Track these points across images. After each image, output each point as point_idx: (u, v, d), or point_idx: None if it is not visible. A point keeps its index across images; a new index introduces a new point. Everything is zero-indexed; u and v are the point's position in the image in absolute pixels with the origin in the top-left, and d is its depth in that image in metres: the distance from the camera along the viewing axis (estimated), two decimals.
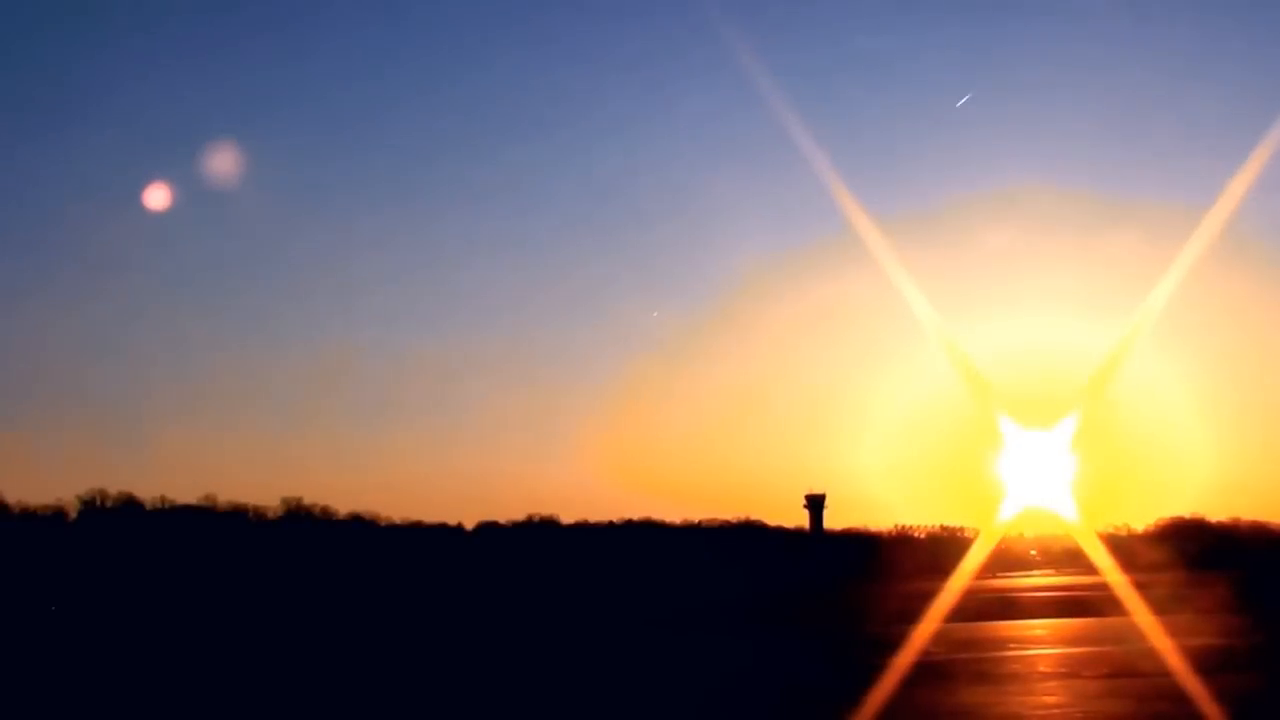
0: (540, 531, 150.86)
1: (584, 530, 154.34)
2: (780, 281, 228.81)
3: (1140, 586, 67.72)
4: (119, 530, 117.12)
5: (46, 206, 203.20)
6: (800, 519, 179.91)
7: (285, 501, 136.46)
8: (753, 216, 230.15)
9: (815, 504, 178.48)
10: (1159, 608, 53.00)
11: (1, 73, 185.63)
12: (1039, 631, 50.00)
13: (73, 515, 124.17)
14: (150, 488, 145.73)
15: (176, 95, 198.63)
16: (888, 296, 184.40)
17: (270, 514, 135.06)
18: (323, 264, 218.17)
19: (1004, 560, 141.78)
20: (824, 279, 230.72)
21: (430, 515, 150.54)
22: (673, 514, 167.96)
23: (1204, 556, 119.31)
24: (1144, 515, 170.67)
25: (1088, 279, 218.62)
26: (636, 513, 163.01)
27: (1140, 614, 50.36)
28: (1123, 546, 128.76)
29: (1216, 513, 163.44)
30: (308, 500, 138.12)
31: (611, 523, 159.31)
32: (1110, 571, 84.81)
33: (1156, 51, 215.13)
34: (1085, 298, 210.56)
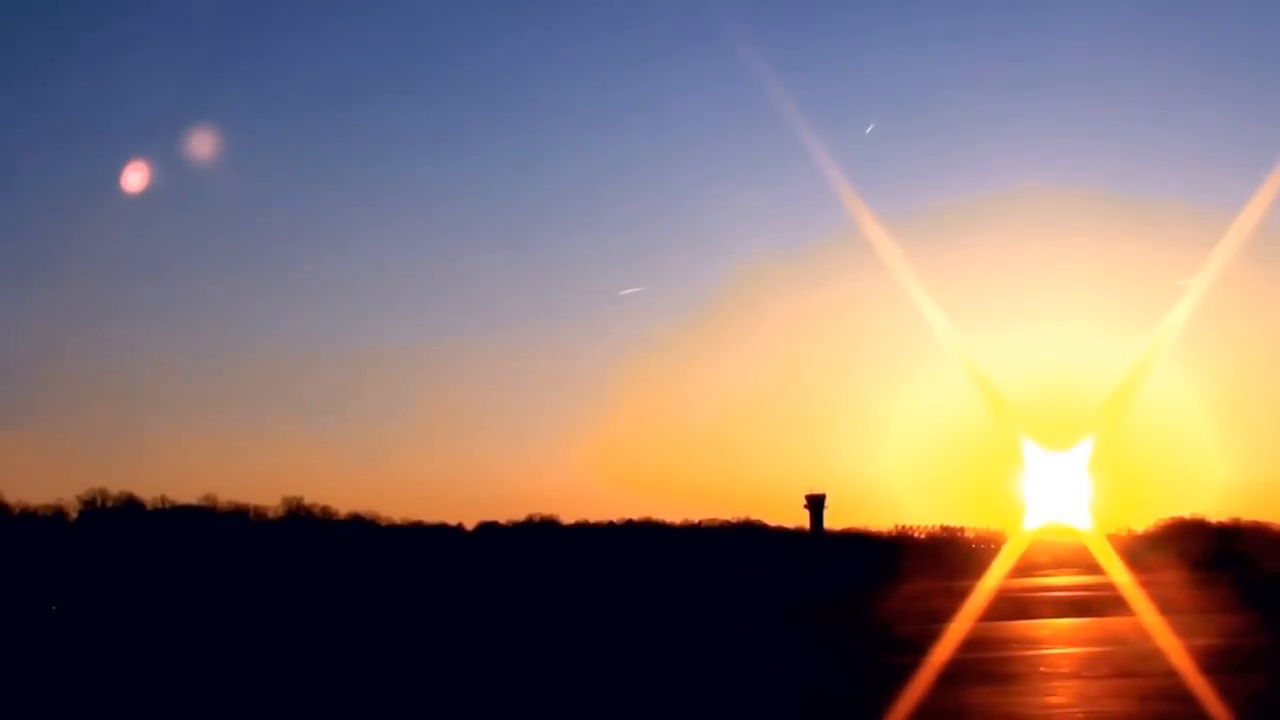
0: (540, 531, 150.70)
1: (584, 530, 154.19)
2: (783, 281, 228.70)
3: (1149, 587, 67.88)
4: (119, 530, 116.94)
5: (43, 204, 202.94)
6: (800, 519, 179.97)
7: (285, 501, 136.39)
8: (755, 215, 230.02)
9: (815, 504, 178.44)
10: (1168, 608, 53.08)
11: None
12: (1065, 631, 50.01)
13: (73, 515, 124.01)
14: (150, 488, 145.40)
15: (171, 85, 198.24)
16: (891, 296, 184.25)
17: (270, 514, 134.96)
18: (323, 264, 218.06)
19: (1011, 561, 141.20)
20: (827, 278, 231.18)
21: (430, 515, 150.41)
22: (673, 514, 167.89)
23: (1205, 557, 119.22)
24: (1145, 516, 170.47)
25: (1090, 279, 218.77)
26: (636, 513, 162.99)
27: (1149, 614, 50.51)
28: (1125, 548, 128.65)
29: (1217, 513, 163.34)
30: (308, 500, 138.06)
31: (611, 523, 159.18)
32: (1121, 574, 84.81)
33: (1183, 43, 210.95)
34: (1088, 298, 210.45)
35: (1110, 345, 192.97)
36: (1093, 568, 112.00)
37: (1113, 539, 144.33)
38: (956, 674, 32.34)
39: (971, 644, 42.05)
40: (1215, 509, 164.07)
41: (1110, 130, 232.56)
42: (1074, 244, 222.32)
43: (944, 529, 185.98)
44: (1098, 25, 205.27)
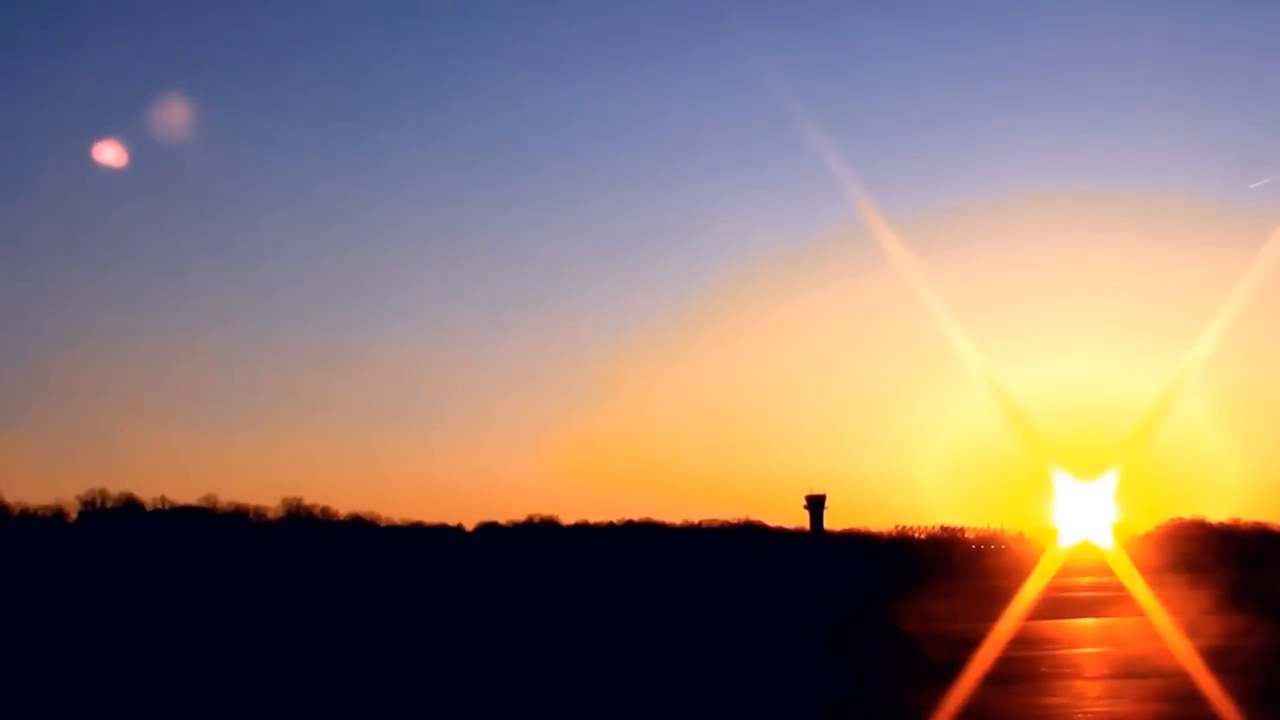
0: (540, 532, 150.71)
1: (584, 530, 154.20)
2: (785, 279, 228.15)
3: (1154, 589, 68.11)
4: (119, 530, 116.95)
5: (41, 199, 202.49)
6: (800, 519, 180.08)
7: (285, 501, 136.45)
8: (757, 212, 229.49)
9: (815, 504, 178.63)
10: (1171, 609, 53.15)
11: None
12: (1075, 632, 50.04)
13: (73, 515, 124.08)
14: (150, 488, 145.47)
15: (178, 88, 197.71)
16: (894, 294, 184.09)
17: (270, 514, 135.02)
18: (324, 264, 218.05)
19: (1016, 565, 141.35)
20: (831, 277, 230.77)
21: (430, 515, 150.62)
22: (673, 514, 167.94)
23: (1206, 558, 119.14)
24: (1146, 517, 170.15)
25: (1091, 280, 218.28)
26: (636, 513, 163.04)
27: (1154, 615, 50.65)
28: (1128, 549, 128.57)
29: (1217, 514, 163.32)
30: (308, 500, 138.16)
31: (611, 523, 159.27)
32: (1128, 576, 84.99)
33: (1215, 34, 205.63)
34: (1091, 298, 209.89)
35: (1116, 343, 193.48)
36: (1099, 569, 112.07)
37: (1115, 540, 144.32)
38: (963, 674, 32.31)
39: (971, 644, 42.01)
40: (1215, 509, 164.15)
41: (1134, 131, 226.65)
42: (1077, 247, 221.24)
43: (944, 529, 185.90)
44: (1126, 18, 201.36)
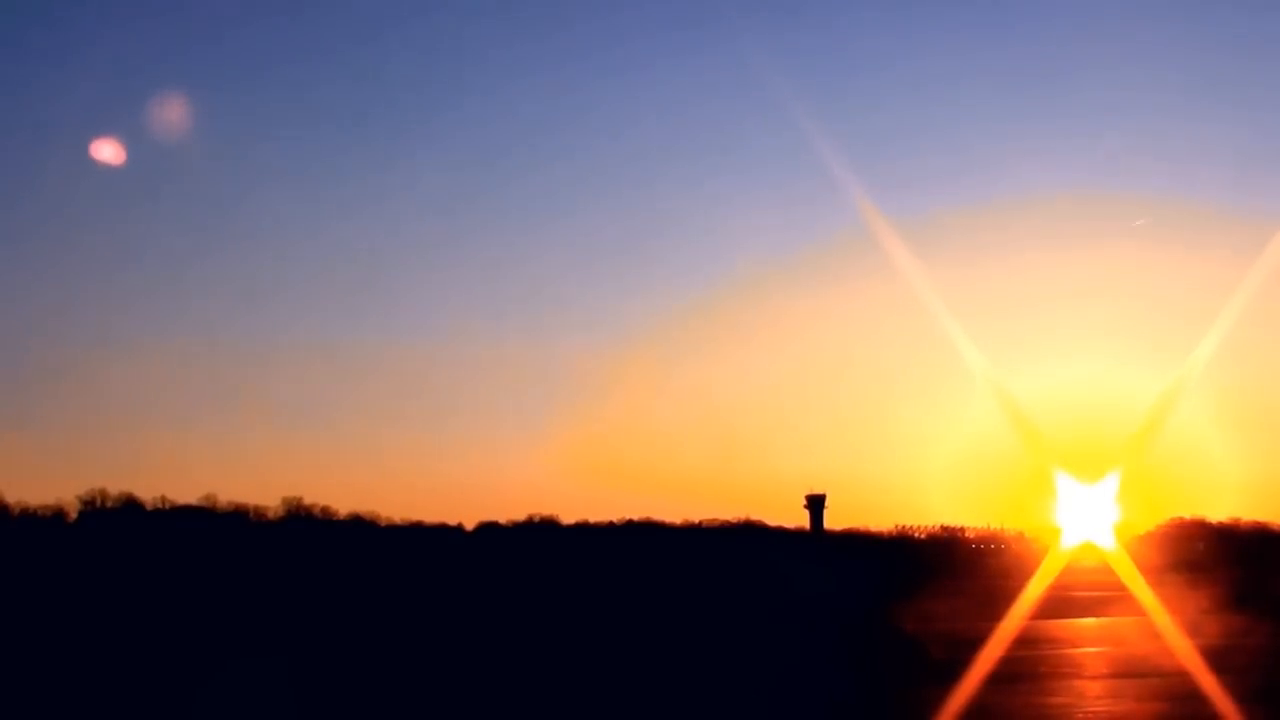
0: (540, 531, 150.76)
1: (584, 530, 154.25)
2: (787, 280, 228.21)
3: (1154, 589, 68.16)
4: (119, 530, 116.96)
5: (41, 199, 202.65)
6: (800, 519, 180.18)
7: (285, 501, 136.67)
8: (760, 213, 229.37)
9: (815, 504, 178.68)
10: (1171, 609, 53.15)
11: None
12: (1077, 632, 50.04)
13: (73, 515, 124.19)
14: (150, 488, 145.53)
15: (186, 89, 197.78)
16: (897, 297, 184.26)
17: (270, 514, 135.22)
18: (324, 264, 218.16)
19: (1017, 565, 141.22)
20: (831, 279, 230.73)
21: (430, 515, 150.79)
22: (673, 514, 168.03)
23: (1206, 557, 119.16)
24: (1147, 517, 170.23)
25: (1087, 282, 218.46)
26: (636, 513, 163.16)
27: (1154, 615, 50.63)
28: (1128, 549, 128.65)
29: (1217, 513, 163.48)
30: (308, 500, 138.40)
31: (611, 523, 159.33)
32: (1128, 576, 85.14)
33: (1216, 37, 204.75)
34: (1087, 299, 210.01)
35: (1118, 346, 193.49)
36: (1100, 569, 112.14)
37: (1117, 540, 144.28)
38: (964, 674, 32.31)
39: (973, 643, 42.00)
40: (1215, 509, 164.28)
41: (1137, 135, 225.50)
42: (1079, 251, 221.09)
43: (944, 529, 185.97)
44: (1127, 22, 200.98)
